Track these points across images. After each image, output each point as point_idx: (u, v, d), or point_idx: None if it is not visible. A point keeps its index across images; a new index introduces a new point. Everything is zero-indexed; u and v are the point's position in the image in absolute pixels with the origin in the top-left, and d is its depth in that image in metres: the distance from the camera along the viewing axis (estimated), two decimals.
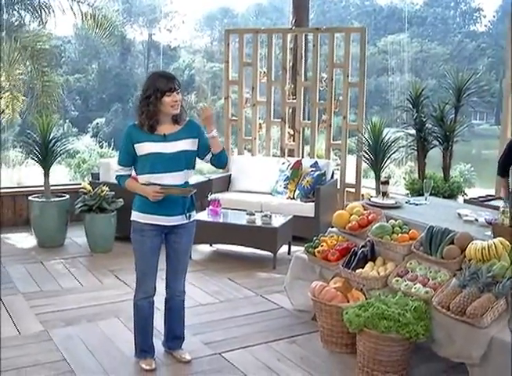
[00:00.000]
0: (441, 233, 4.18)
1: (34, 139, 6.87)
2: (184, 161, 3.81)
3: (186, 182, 3.91)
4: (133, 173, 3.99)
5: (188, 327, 4.71)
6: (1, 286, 5.47)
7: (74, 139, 31.64)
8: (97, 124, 35.08)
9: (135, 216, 3.91)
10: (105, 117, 35.54)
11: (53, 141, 6.88)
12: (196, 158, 3.93)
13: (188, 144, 3.81)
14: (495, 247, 3.81)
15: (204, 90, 35.86)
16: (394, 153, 7.06)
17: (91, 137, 32.91)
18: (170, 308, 4.19)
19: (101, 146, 31.15)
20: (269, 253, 6.38)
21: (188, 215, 3.93)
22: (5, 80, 8.35)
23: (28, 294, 5.37)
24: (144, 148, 3.74)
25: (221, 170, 8.11)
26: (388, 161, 7.04)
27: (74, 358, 4.14)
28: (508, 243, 3.83)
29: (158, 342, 4.28)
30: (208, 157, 3.92)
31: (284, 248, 6.66)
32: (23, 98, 8.51)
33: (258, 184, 7.85)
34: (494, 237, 3.99)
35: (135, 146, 3.77)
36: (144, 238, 3.87)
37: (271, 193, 7.66)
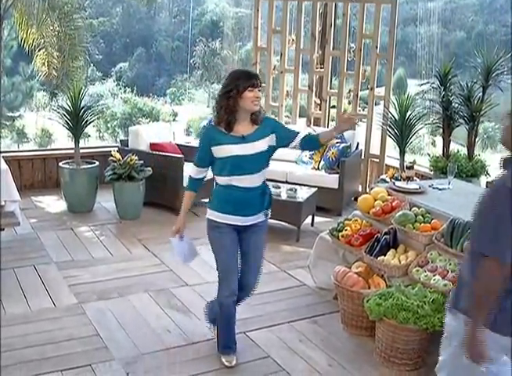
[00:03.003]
0: (462, 226, 4.28)
1: (65, 107, 6.99)
2: (263, 161, 3.76)
3: (264, 182, 3.86)
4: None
5: None
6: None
7: (98, 83, 31.85)
8: (120, 68, 35.05)
9: (212, 215, 3.84)
10: (128, 62, 35.46)
11: (84, 109, 7.00)
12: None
13: (265, 143, 3.72)
14: None
15: (229, 36, 35.49)
16: (421, 128, 7.08)
17: (114, 81, 33.00)
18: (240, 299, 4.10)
19: (124, 91, 31.30)
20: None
21: (266, 213, 3.90)
22: (39, 37, 8.39)
23: (60, 264, 5.60)
24: (223, 150, 3.65)
25: None
26: (414, 137, 7.08)
27: (107, 333, 4.37)
28: None
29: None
30: (293, 144, 3.82)
31: (308, 219, 6.80)
32: (58, 54, 8.57)
33: (283, 152, 7.88)
34: None
35: (213, 148, 3.68)
36: (222, 234, 3.82)
37: (296, 162, 7.76)
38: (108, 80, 33.01)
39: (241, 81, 3.57)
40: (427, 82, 7.20)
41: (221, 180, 3.77)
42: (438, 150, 7.51)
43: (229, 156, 3.65)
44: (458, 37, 34.22)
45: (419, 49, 32.44)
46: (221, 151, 3.66)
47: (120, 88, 31.65)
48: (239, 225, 3.80)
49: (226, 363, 4.04)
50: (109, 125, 25.98)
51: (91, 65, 28.64)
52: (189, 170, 3.95)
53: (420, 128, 7.10)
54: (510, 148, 2.53)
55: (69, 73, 7.84)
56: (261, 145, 3.71)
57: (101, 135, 26.10)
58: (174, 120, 27.15)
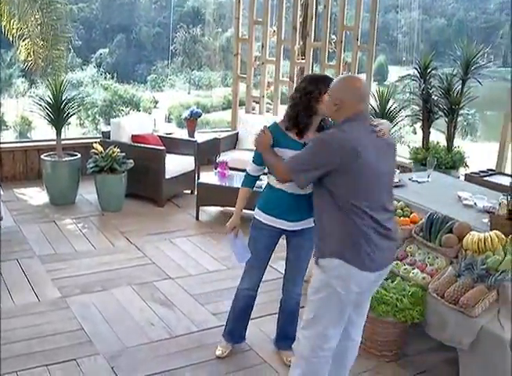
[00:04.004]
0: (440, 220, 4.37)
1: (46, 100, 6.97)
2: None
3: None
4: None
5: (197, 295, 5.03)
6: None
7: (78, 70, 31.57)
8: (100, 54, 34.74)
9: (257, 214, 3.81)
10: (108, 48, 35.16)
11: (65, 102, 6.98)
12: None
13: None
14: (491, 240, 4.01)
15: (210, 23, 35.31)
16: (401, 121, 7.17)
17: (95, 67, 32.73)
18: (284, 309, 4.13)
19: (105, 78, 31.05)
20: None
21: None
22: (23, 27, 8.30)
23: (44, 257, 5.63)
24: (283, 154, 3.47)
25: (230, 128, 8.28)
26: (394, 129, 7.15)
27: (91, 327, 4.42)
28: (503, 236, 4.04)
29: None
30: None
31: None
32: (43, 43, 8.49)
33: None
34: (491, 228, 4.20)
35: (275, 148, 3.54)
36: (260, 236, 3.82)
37: None
38: (88, 66, 32.71)
39: (321, 85, 3.42)
40: (408, 75, 7.27)
41: (271, 181, 3.70)
42: (419, 137, 7.60)
43: (283, 159, 3.45)
44: (439, 24, 34.29)
45: (400, 36, 32.56)
46: (281, 154, 3.50)
47: (102, 74, 31.41)
48: (285, 229, 3.76)
49: (218, 352, 4.15)
50: (89, 113, 25.79)
51: (72, 51, 28.33)
52: (248, 166, 3.88)
53: (401, 120, 7.18)
54: None
55: (53, 64, 7.77)
56: None
57: (81, 122, 25.90)
58: (155, 107, 27.01)
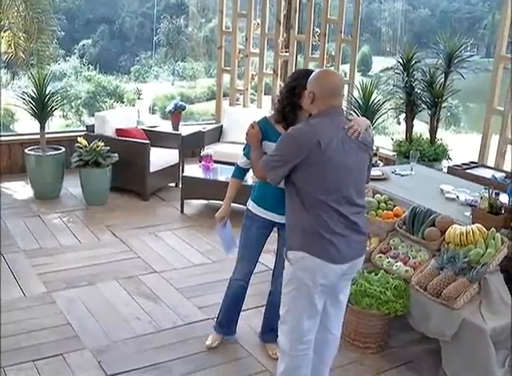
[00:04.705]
0: (423, 213, 4.42)
1: (30, 94, 6.93)
2: None
3: None
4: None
5: (182, 289, 5.06)
6: (1, 243, 5.70)
7: (61, 61, 31.33)
8: (83, 45, 34.50)
9: (250, 205, 3.89)
10: (91, 39, 34.90)
11: (49, 96, 6.95)
12: None
13: None
14: (473, 233, 4.06)
15: (194, 13, 35.17)
16: (384, 113, 7.21)
17: (78, 58, 32.48)
18: (272, 301, 4.10)
19: (88, 69, 30.85)
20: None
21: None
22: (4, 18, 8.26)
23: (29, 252, 5.62)
24: (267, 147, 3.54)
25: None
26: (377, 123, 7.20)
27: (77, 322, 4.43)
28: (485, 230, 4.10)
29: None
30: None
31: None
32: (24, 35, 8.45)
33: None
34: (473, 222, 4.26)
35: (264, 142, 3.61)
36: (252, 227, 3.89)
37: None
38: (71, 57, 32.46)
39: (303, 80, 3.36)
40: (391, 68, 7.31)
41: None
42: (402, 128, 7.65)
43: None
44: (422, 15, 34.43)
45: (383, 26, 32.61)
46: (266, 147, 3.57)
47: (85, 65, 31.20)
48: (276, 221, 3.81)
49: (208, 342, 4.22)
50: (73, 104, 25.64)
51: (55, 43, 28.09)
52: (238, 159, 3.95)
53: (384, 113, 7.22)
54: None
55: (37, 55, 7.74)
56: None
57: (65, 114, 25.74)
58: (138, 98, 26.90)
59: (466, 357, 3.79)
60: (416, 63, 7.05)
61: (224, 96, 9.19)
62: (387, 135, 16.56)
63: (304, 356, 3.32)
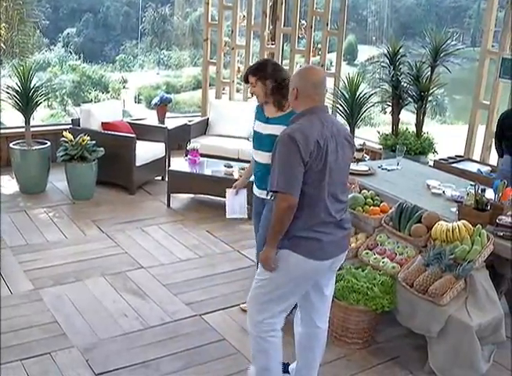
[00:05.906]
0: (410, 210, 4.45)
1: (14, 88, 6.85)
2: (269, 144, 3.70)
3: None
4: None
5: (170, 285, 5.05)
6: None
7: (46, 50, 31.02)
8: (68, 34, 34.17)
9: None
10: (76, 27, 34.57)
11: (34, 89, 6.88)
12: None
13: (277, 130, 3.73)
14: (459, 230, 4.09)
15: (179, 2, 34.93)
16: (371, 106, 7.21)
17: (62, 47, 32.18)
18: None
19: (72, 58, 30.57)
20: None
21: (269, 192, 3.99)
22: None
23: (15, 248, 5.58)
24: (255, 125, 4.31)
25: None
26: (363, 116, 7.20)
27: (65, 319, 4.41)
28: (471, 226, 4.13)
29: None
30: None
31: None
32: (5, 25, 8.34)
33: (235, 129, 8.01)
34: (459, 218, 4.29)
35: (256, 122, 4.31)
36: (254, 203, 4.44)
37: (247, 139, 7.82)
38: (56, 46, 32.15)
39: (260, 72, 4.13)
40: (377, 61, 7.32)
41: (254, 156, 4.34)
42: (387, 117, 7.67)
43: (254, 130, 4.31)
44: (408, 4, 34.42)
45: (369, 15, 32.57)
46: (254, 125, 4.31)
47: (70, 54, 30.91)
48: (258, 196, 4.34)
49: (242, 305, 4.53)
50: (57, 94, 25.43)
51: (39, 32, 27.79)
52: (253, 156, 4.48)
53: (371, 106, 7.22)
54: None
55: (18, 47, 7.65)
56: (275, 129, 4.00)
57: (49, 103, 25.54)
58: (124, 87, 26.74)
59: (452, 352, 3.83)
60: (402, 56, 7.05)
61: (210, 86, 9.15)
62: (373, 126, 16.57)
63: (267, 339, 3.36)
